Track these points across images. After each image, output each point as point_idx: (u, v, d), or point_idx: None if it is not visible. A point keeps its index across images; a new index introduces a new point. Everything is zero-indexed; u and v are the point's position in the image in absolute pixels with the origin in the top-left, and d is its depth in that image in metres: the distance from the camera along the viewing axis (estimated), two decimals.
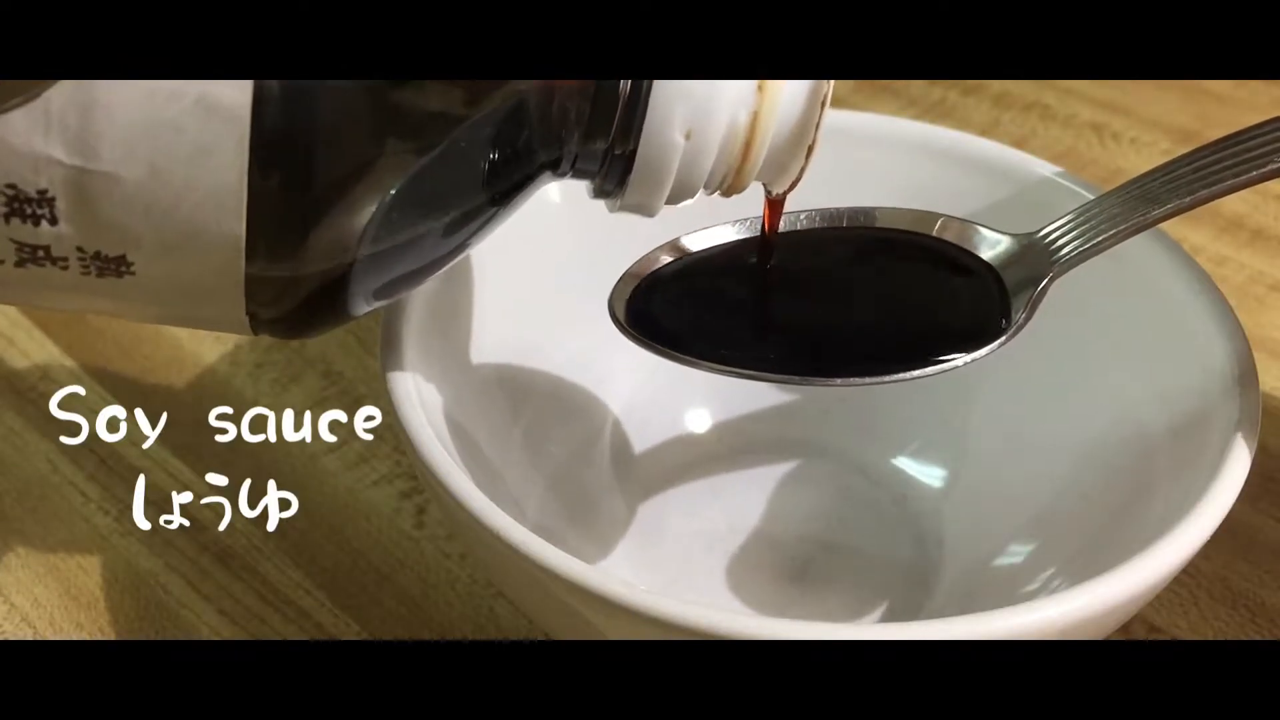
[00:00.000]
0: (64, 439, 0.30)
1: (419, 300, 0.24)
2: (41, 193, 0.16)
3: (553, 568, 0.19)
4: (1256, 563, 0.27)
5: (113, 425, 0.31)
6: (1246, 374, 0.22)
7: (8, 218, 0.16)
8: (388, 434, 0.31)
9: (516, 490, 0.26)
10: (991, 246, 0.24)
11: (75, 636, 0.26)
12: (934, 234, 0.24)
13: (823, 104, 0.19)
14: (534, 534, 0.19)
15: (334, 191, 0.17)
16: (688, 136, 0.19)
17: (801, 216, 0.24)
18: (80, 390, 0.32)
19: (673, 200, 0.20)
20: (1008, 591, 0.25)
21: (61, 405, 0.31)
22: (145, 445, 0.30)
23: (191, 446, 0.30)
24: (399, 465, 0.30)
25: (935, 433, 0.28)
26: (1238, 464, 0.21)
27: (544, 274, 0.28)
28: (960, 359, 0.22)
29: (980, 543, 0.26)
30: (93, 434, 0.31)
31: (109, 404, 0.31)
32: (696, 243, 0.24)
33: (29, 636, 0.26)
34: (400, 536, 0.28)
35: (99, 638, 0.26)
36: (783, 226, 0.24)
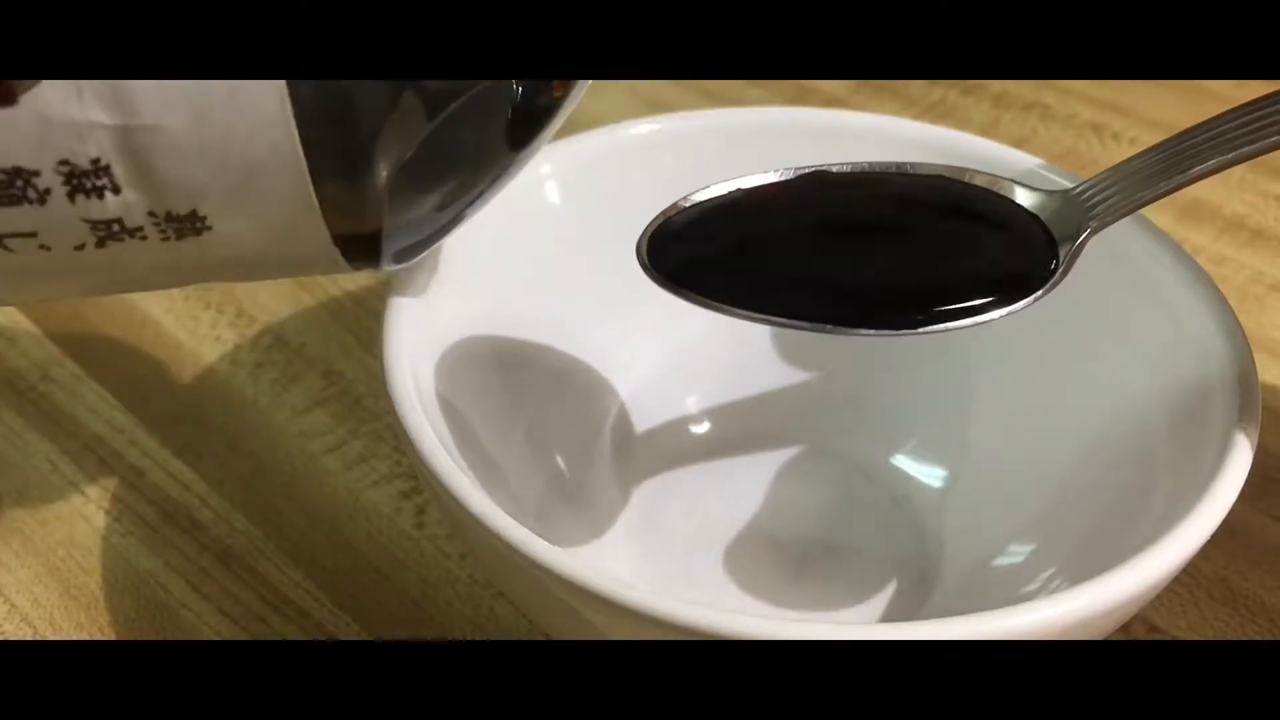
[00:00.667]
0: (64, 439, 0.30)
1: (419, 300, 0.24)
2: (95, 161, 0.16)
3: (553, 568, 0.19)
4: (1256, 563, 0.27)
5: (113, 425, 0.31)
6: (1246, 374, 0.22)
7: (72, 196, 0.16)
8: (388, 434, 0.31)
9: (517, 487, 0.26)
10: (1027, 202, 0.24)
11: (75, 636, 0.26)
12: (967, 189, 0.24)
13: None
14: (534, 533, 0.19)
15: (378, 93, 0.17)
16: None
17: (834, 167, 0.24)
18: (80, 390, 0.32)
19: None
20: (1008, 591, 0.25)
21: (62, 404, 0.31)
22: (142, 443, 0.30)
23: (191, 446, 0.30)
24: (399, 465, 0.30)
25: (935, 432, 0.28)
26: (1238, 464, 0.21)
27: (543, 273, 0.28)
28: (995, 313, 0.22)
29: (980, 542, 0.26)
30: (93, 434, 0.31)
31: (109, 404, 0.32)
32: (724, 189, 0.24)
33: (29, 636, 0.26)
34: (400, 536, 0.28)
35: (99, 638, 0.26)
36: (817, 175, 0.23)
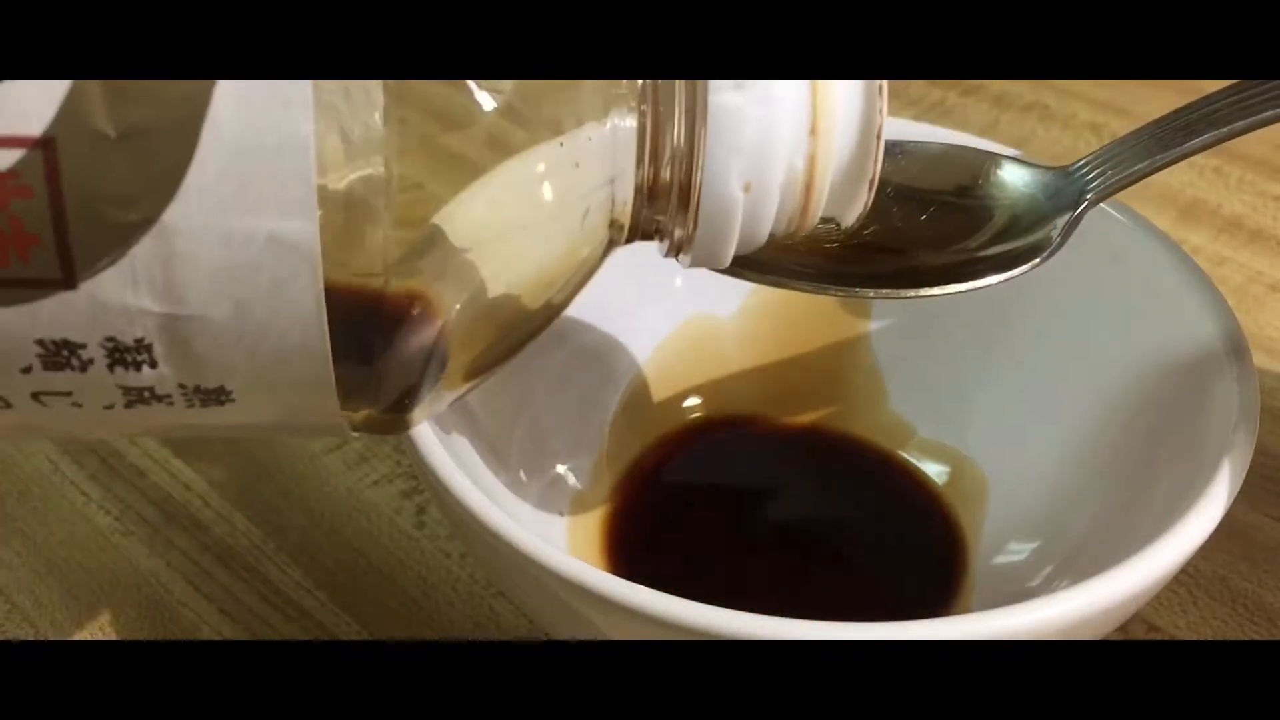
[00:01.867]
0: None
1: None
2: (139, 341, 0.17)
3: (553, 567, 0.19)
4: (1256, 563, 0.27)
5: None
6: (1245, 374, 0.22)
7: (111, 367, 0.17)
8: None
9: (517, 487, 0.26)
10: (1025, 177, 0.24)
11: (77, 636, 0.26)
12: (967, 168, 0.24)
13: (878, 137, 0.19)
14: (534, 534, 0.19)
15: (406, 300, 0.18)
16: (747, 189, 0.19)
17: None
18: None
19: (741, 249, 0.20)
20: (1007, 590, 0.25)
21: None
22: (143, 443, 0.30)
23: (192, 446, 0.30)
24: (399, 465, 0.30)
25: (935, 430, 0.29)
26: (1236, 464, 0.21)
27: None
28: (995, 277, 0.22)
29: (980, 541, 0.26)
30: None
31: None
32: None
33: (30, 636, 0.26)
34: (400, 536, 0.28)
35: (100, 637, 0.26)
36: None
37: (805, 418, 0.30)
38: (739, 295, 0.30)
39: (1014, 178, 0.24)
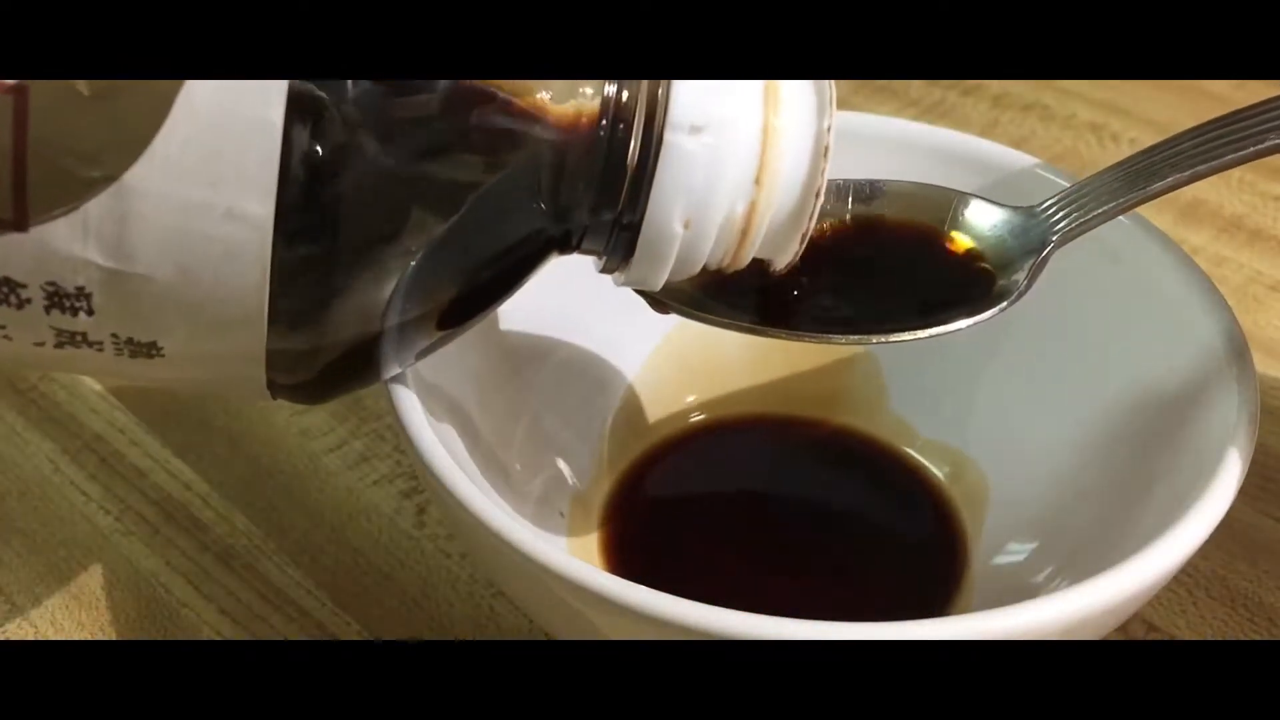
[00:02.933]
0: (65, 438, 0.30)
1: None
2: (79, 289, 0.17)
3: (553, 568, 0.19)
4: (1255, 562, 0.27)
5: (114, 425, 0.31)
6: (1244, 374, 0.22)
7: (48, 309, 0.18)
8: (388, 434, 0.31)
9: (517, 487, 0.26)
10: (992, 218, 0.24)
11: (77, 636, 0.26)
12: (936, 209, 0.25)
13: (817, 196, 0.21)
14: (534, 534, 0.19)
15: (349, 285, 0.19)
16: (687, 226, 0.20)
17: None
18: (81, 390, 0.32)
19: (674, 277, 0.21)
20: (1007, 590, 0.25)
21: (63, 404, 0.31)
22: (143, 443, 0.30)
23: (192, 446, 0.30)
24: (399, 465, 0.30)
25: (935, 431, 0.29)
26: (1236, 463, 0.21)
27: (543, 271, 0.28)
28: (964, 322, 0.23)
29: (980, 541, 0.26)
30: (94, 434, 0.31)
31: (110, 404, 0.32)
32: None
33: (31, 636, 0.26)
34: (400, 536, 0.28)
35: (100, 637, 0.26)
36: None
37: (805, 418, 0.30)
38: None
39: (981, 219, 0.24)
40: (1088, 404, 0.26)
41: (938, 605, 0.25)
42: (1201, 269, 0.25)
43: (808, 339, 0.23)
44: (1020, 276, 0.23)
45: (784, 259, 0.22)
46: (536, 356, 0.28)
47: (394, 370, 0.22)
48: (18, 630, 0.26)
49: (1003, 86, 0.44)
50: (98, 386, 0.32)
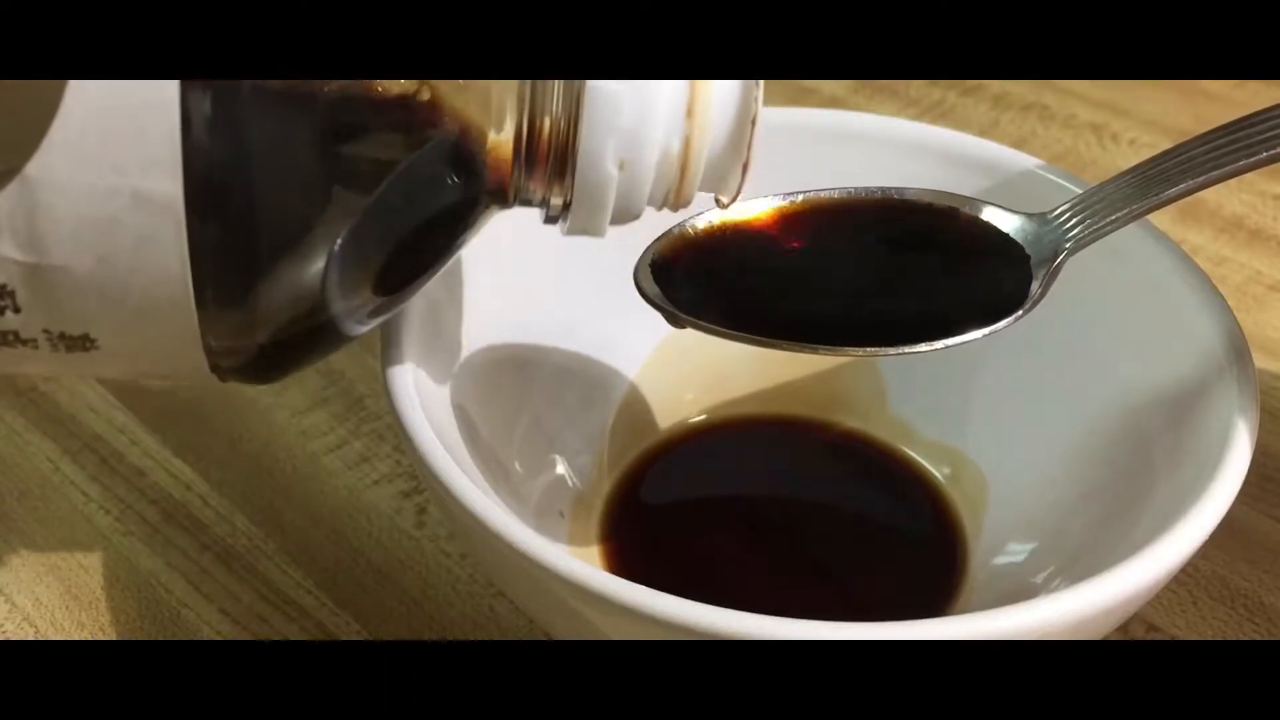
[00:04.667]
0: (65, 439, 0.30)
1: (419, 299, 0.24)
2: (1, 286, 0.17)
3: (553, 568, 0.19)
4: (1255, 562, 0.27)
5: (114, 425, 0.31)
6: (1245, 374, 0.22)
7: None
8: (388, 434, 0.31)
9: (517, 487, 0.26)
10: (1004, 226, 0.24)
11: (77, 636, 0.26)
12: (950, 212, 0.25)
13: (753, 122, 0.20)
14: (534, 533, 0.19)
15: (275, 260, 0.18)
16: (622, 167, 0.20)
17: (822, 192, 0.25)
18: (81, 390, 0.32)
19: (617, 221, 0.21)
20: (1007, 590, 0.25)
21: (63, 404, 0.31)
22: (143, 443, 0.30)
23: (192, 446, 0.30)
24: (399, 465, 0.30)
25: (935, 431, 0.29)
26: (1236, 464, 0.21)
27: (543, 272, 0.28)
28: (978, 332, 0.23)
29: (980, 541, 0.26)
30: (94, 434, 0.31)
31: (110, 404, 0.32)
32: (720, 217, 0.24)
33: (31, 636, 0.26)
34: (400, 536, 0.28)
35: (100, 637, 0.26)
36: (806, 200, 0.24)
37: (805, 418, 0.30)
38: None
39: (993, 229, 0.24)
40: (1087, 404, 0.26)
41: (938, 605, 0.25)
42: (1201, 269, 0.25)
43: (822, 352, 0.23)
44: (1034, 285, 0.23)
45: (729, 192, 0.21)
46: (537, 356, 0.28)
47: (342, 341, 0.21)
48: (18, 630, 0.26)
49: (1003, 86, 0.44)
50: (98, 386, 0.32)
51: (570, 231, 0.21)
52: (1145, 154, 0.41)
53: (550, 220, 0.21)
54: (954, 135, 0.28)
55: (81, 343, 0.18)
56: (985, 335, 0.23)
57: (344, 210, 0.19)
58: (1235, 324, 0.23)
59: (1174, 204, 0.38)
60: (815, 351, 0.23)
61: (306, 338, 0.20)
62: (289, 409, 0.31)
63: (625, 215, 0.21)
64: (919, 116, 0.42)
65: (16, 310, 0.18)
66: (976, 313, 0.23)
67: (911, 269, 0.24)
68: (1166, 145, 0.41)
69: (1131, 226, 0.25)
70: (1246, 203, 0.38)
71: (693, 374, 0.30)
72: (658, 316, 0.29)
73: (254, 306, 0.19)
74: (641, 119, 0.19)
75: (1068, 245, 0.23)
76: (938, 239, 0.24)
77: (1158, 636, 0.26)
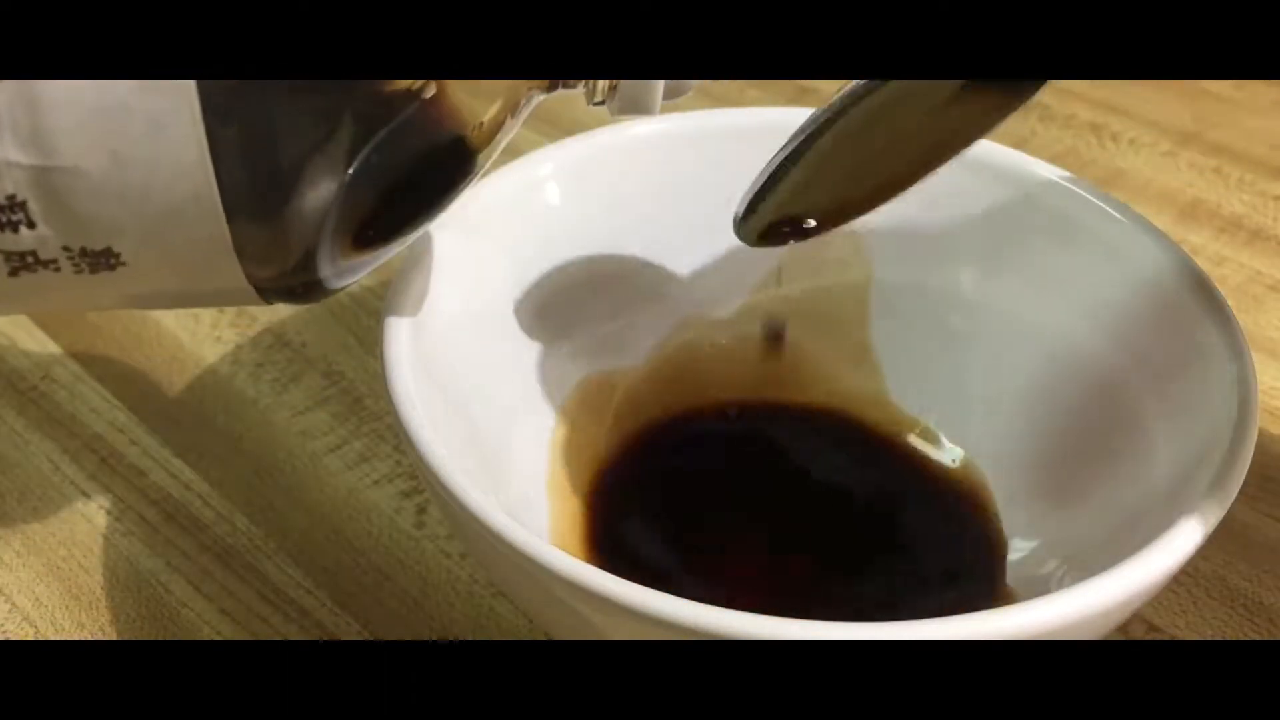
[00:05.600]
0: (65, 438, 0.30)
1: (419, 299, 0.24)
2: (10, 198, 0.16)
3: (553, 567, 0.19)
4: (1255, 562, 0.27)
5: (114, 424, 0.31)
6: (1245, 373, 0.22)
7: None
8: (388, 434, 0.31)
9: (518, 487, 0.26)
10: None
11: (77, 636, 0.26)
12: None
13: None
14: (534, 533, 0.19)
15: (299, 137, 0.17)
16: None
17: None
18: (81, 390, 0.32)
19: (670, 95, 0.20)
20: (1006, 591, 0.25)
21: (63, 404, 0.31)
22: (143, 442, 0.30)
23: (192, 446, 0.30)
24: (399, 465, 0.30)
25: (935, 431, 0.29)
26: (1236, 464, 0.21)
27: (544, 273, 0.28)
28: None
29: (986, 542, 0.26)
30: (94, 434, 0.31)
31: (110, 404, 0.32)
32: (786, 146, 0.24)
33: (31, 636, 0.26)
34: (400, 536, 0.28)
35: (100, 637, 0.26)
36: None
37: (804, 418, 0.30)
38: (738, 297, 0.30)
39: None
40: (1087, 404, 0.26)
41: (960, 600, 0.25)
42: (1201, 269, 0.25)
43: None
44: None
45: None
46: (537, 355, 0.28)
47: (385, 250, 0.20)
48: (18, 630, 0.26)
49: None
50: (98, 386, 0.32)
51: (620, 110, 0.20)
52: (1145, 154, 0.41)
53: (596, 99, 0.20)
54: None
55: (105, 259, 0.17)
56: None
57: (374, 89, 0.17)
58: (1236, 324, 0.23)
59: (1175, 204, 0.38)
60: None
61: (346, 238, 0.18)
62: (289, 409, 0.31)
63: (678, 88, 0.20)
64: None
65: (31, 225, 0.16)
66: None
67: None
68: (1167, 145, 0.41)
69: (1132, 227, 0.26)
70: (1246, 203, 0.38)
71: (691, 375, 0.30)
72: (658, 312, 0.29)
73: (285, 194, 0.17)
74: None
75: None
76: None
77: (1158, 636, 0.26)
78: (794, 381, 0.30)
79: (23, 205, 0.16)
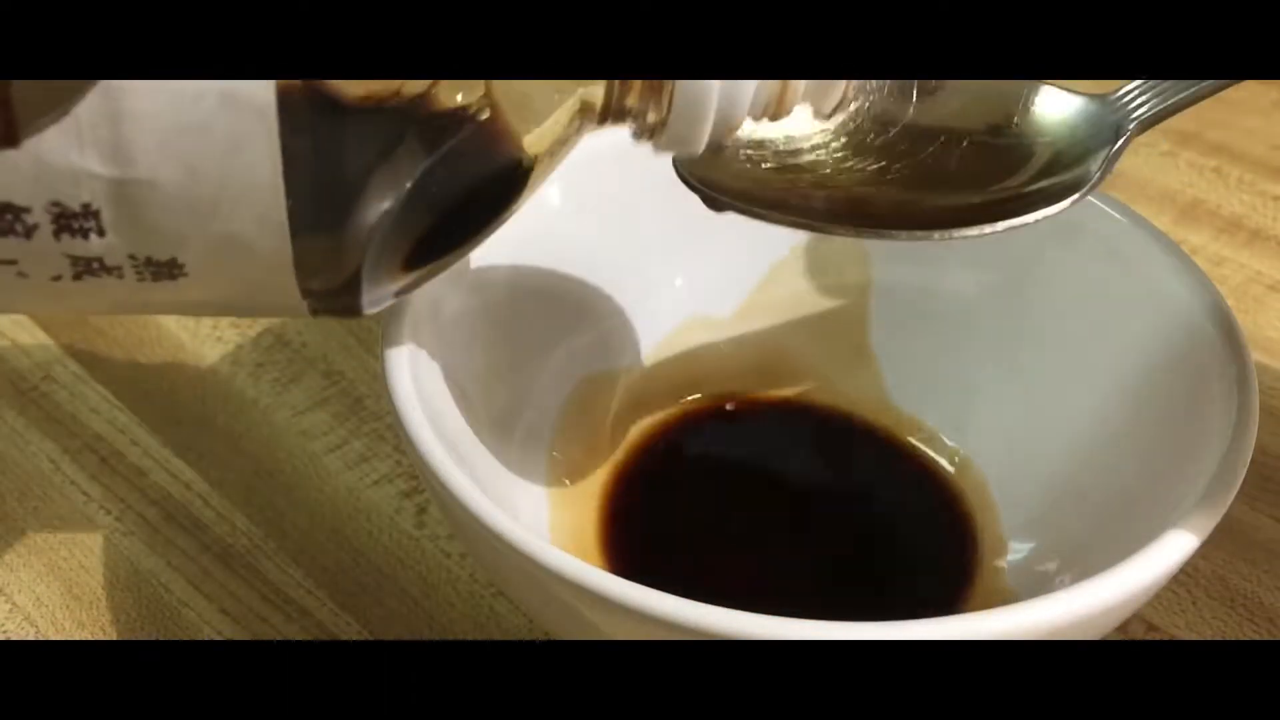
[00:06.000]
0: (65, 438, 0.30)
1: (419, 299, 0.24)
2: (85, 206, 0.16)
3: (553, 567, 0.19)
4: (1254, 562, 0.27)
5: (114, 424, 0.31)
6: (1244, 373, 0.22)
7: (58, 234, 0.17)
8: (388, 434, 0.31)
9: (520, 487, 0.26)
10: (1064, 106, 0.23)
11: (77, 636, 0.26)
12: (1004, 101, 0.24)
13: None
14: (534, 534, 0.19)
15: (368, 164, 0.17)
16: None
17: (870, 86, 0.23)
18: (81, 390, 0.32)
19: (716, 133, 0.20)
20: (1006, 591, 0.25)
21: (63, 404, 0.31)
22: (144, 442, 0.30)
23: (192, 446, 0.30)
24: (399, 465, 0.30)
25: (934, 430, 0.29)
26: (1236, 464, 0.21)
27: (544, 273, 0.28)
28: (1033, 216, 0.21)
29: (980, 541, 0.26)
30: (94, 434, 0.31)
31: (110, 404, 0.32)
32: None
33: (31, 636, 0.26)
34: (400, 536, 0.28)
35: (101, 637, 0.26)
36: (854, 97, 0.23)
37: (804, 416, 0.30)
38: (738, 296, 0.30)
39: (1053, 109, 0.23)
40: (1086, 404, 0.26)
41: (945, 601, 0.25)
42: (1201, 269, 0.25)
43: (868, 235, 0.22)
44: (1093, 168, 0.22)
45: (830, 101, 0.20)
46: (538, 355, 0.28)
47: (434, 270, 0.20)
48: (18, 630, 0.26)
49: None
50: (98, 386, 0.32)
51: (665, 146, 0.20)
52: (1145, 154, 0.41)
53: (643, 136, 0.20)
54: None
55: (169, 269, 0.17)
56: (1040, 218, 0.21)
57: (434, 118, 0.18)
58: (1236, 324, 0.23)
59: (1175, 204, 0.38)
60: (861, 235, 0.22)
61: (399, 256, 0.19)
62: (289, 409, 0.31)
63: (725, 126, 0.19)
64: None
65: (102, 233, 0.17)
66: (1031, 197, 0.22)
67: (964, 156, 0.23)
68: (1167, 145, 0.41)
69: (1132, 227, 0.26)
70: (1246, 203, 0.38)
71: (691, 375, 0.30)
72: (658, 312, 0.29)
73: (348, 215, 0.18)
74: None
75: (1131, 125, 0.22)
76: (991, 129, 0.23)
77: (1158, 636, 0.26)
78: (793, 382, 0.30)
79: (96, 214, 0.17)
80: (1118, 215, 0.26)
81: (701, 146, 0.20)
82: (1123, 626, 0.25)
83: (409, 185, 0.18)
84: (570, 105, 0.19)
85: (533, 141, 0.19)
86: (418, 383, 0.22)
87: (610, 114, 0.20)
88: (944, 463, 0.28)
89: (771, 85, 0.19)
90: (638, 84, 0.19)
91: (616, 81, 0.19)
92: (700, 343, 0.30)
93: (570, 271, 0.28)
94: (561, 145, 0.20)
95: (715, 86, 0.19)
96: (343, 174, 0.17)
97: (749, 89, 0.19)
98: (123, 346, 0.33)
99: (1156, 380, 0.24)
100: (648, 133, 0.20)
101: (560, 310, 0.28)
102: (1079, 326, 0.26)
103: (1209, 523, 0.20)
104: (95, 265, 0.17)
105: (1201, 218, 0.38)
